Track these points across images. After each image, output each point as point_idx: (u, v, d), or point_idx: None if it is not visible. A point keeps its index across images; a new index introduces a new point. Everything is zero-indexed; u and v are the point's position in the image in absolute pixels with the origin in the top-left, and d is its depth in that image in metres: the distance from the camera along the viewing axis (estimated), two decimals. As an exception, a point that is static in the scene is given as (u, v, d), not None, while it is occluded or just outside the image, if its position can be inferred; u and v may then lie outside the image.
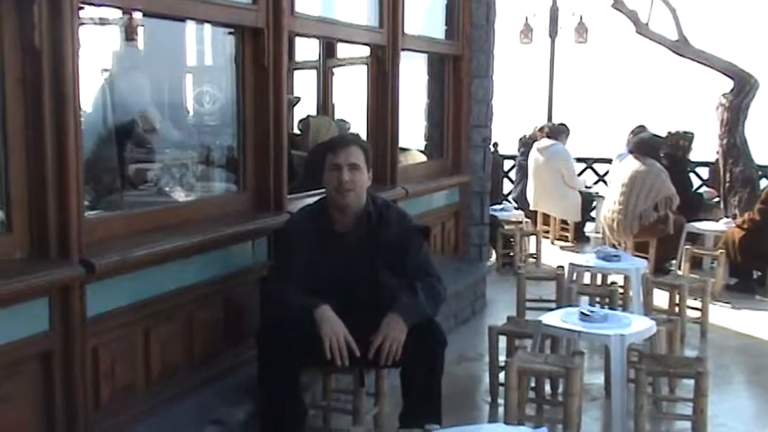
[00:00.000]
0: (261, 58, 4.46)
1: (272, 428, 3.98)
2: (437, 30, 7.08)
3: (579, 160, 11.65)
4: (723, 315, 7.23)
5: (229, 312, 4.28)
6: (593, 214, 10.81)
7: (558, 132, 10.52)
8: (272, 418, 3.97)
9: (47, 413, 3.23)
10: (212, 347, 4.18)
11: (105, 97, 5.09)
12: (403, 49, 6.10)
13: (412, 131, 7.14)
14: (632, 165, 8.48)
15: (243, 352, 4.28)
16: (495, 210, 9.18)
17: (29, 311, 3.12)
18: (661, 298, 6.60)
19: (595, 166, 12.43)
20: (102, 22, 5.09)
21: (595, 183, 12.00)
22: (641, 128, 9.42)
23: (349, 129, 7.54)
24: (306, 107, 8.48)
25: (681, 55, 10.65)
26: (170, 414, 3.79)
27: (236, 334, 4.31)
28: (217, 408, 3.88)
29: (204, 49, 6.09)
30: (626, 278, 6.55)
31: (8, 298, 2.98)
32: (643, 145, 8.68)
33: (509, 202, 11.41)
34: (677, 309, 6.36)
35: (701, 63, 10.52)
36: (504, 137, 11.47)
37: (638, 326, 4.74)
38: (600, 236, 9.27)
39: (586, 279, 6.86)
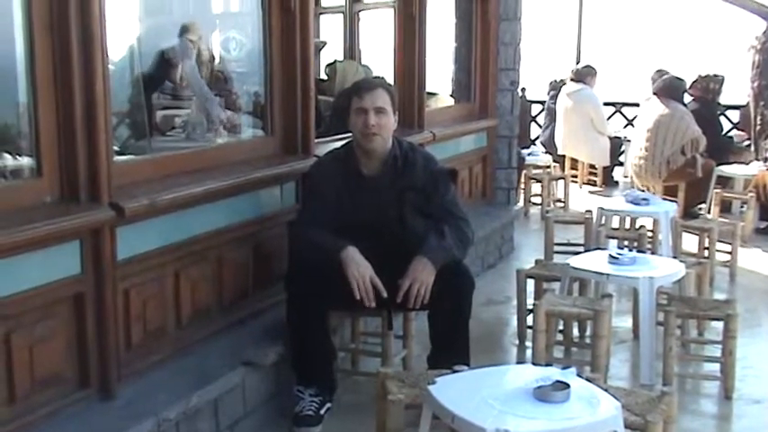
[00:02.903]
0: (287, 1, 4.43)
1: (302, 370, 4.02)
2: (464, -29, 7.01)
3: (608, 104, 11.54)
4: (752, 258, 7.20)
5: (258, 256, 4.31)
6: (621, 159, 10.74)
7: (584, 75, 10.41)
8: (301, 361, 4.01)
9: (80, 354, 3.28)
10: (242, 290, 4.22)
11: (133, 44, 5.09)
12: (430, -9, 6.04)
13: (439, 75, 7.10)
14: (657, 109, 8.38)
15: (272, 295, 4.32)
16: (522, 154, 9.14)
17: (61, 255, 3.15)
18: (690, 242, 6.57)
19: (624, 110, 12.31)
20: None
21: (624, 127, 11.89)
22: (660, 72, 9.33)
23: (372, 75, 7.50)
24: (332, 52, 8.44)
25: (712, -4, 10.48)
26: (201, 356, 3.83)
27: (265, 277, 4.34)
28: (247, 349, 3.92)
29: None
30: (655, 222, 6.52)
31: (40, 241, 3.01)
32: (667, 87, 8.57)
33: (536, 146, 11.36)
34: (706, 252, 6.33)
35: (733, 4, 10.35)
36: (533, 81, 11.37)
37: (666, 268, 4.74)
38: (629, 180, 9.22)
39: (615, 223, 6.83)
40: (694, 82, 9.13)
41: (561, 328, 4.84)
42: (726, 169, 8.72)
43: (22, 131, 3.26)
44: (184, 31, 5.32)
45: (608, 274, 4.64)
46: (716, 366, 4.54)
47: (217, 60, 5.93)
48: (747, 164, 8.99)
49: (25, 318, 3.04)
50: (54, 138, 3.15)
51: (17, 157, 3.33)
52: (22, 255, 2.97)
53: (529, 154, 9.90)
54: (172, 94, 5.52)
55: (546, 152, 10.68)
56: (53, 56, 3.12)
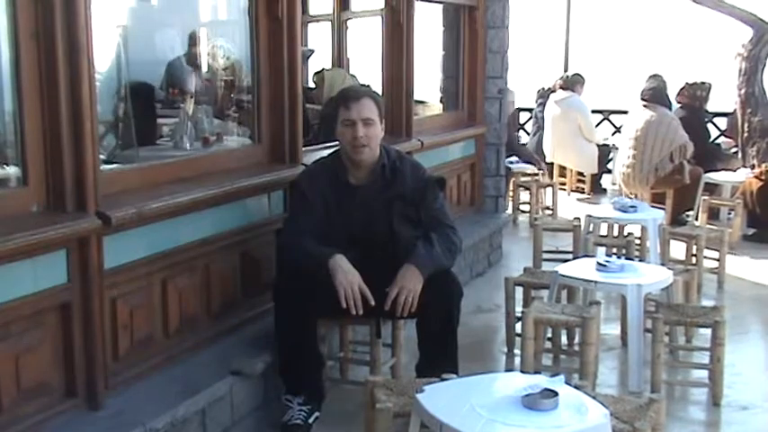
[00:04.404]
0: (274, 9, 4.43)
1: (290, 379, 4.01)
2: (452, -20, 7.02)
3: (596, 112, 11.56)
4: (740, 265, 7.21)
5: (246, 264, 4.30)
6: (609, 166, 10.76)
7: (572, 83, 10.45)
8: (289, 369, 4.00)
9: (67, 364, 3.26)
10: (230, 299, 4.21)
11: (120, 53, 5.08)
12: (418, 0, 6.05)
13: (428, 83, 7.11)
14: (643, 115, 8.36)
15: (260, 303, 4.31)
16: (510, 162, 9.15)
17: (47, 264, 3.14)
18: (678, 249, 6.59)
19: (612, 117, 12.33)
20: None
21: (612, 134, 11.92)
22: (656, 77, 9.34)
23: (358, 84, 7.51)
24: (320, 60, 8.45)
25: (699, 3, 10.50)
26: (188, 365, 3.83)
27: (253, 286, 4.33)
28: (235, 359, 3.91)
29: (217, 4, 6.06)
30: (643, 229, 6.53)
31: (26, 250, 3.00)
32: (653, 93, 8.57)
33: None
34: (694, 259, 6.34)
35: (720, 12, 10.38)
36: (520, 89, 11.38)
37: (654, 276, 4.74)
38: (617, 187, 9.24)
39: (603, 230, 6.84)
40: (682, 89, 9.15)
41: (549, 335, 4.84)
42: (713, 176, 8.73)
43: (8, 140, 3.24)
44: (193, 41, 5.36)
45: (596, 282, 4.64)
46: (704, 373, 4.55)
47: (204, 68, 5.93)
48: (735, 171, 9.01)
49: (11, 327, 3.03)
50: (40, 147, 3.14)
51: (3, 166, 3.31)
52: (8, 264, 2.96)
53: (517, 162, 9.90)
54: (160, 102, 5.51)
55: (534, 159, 10.69)
56: (39, 64, 3.11)
